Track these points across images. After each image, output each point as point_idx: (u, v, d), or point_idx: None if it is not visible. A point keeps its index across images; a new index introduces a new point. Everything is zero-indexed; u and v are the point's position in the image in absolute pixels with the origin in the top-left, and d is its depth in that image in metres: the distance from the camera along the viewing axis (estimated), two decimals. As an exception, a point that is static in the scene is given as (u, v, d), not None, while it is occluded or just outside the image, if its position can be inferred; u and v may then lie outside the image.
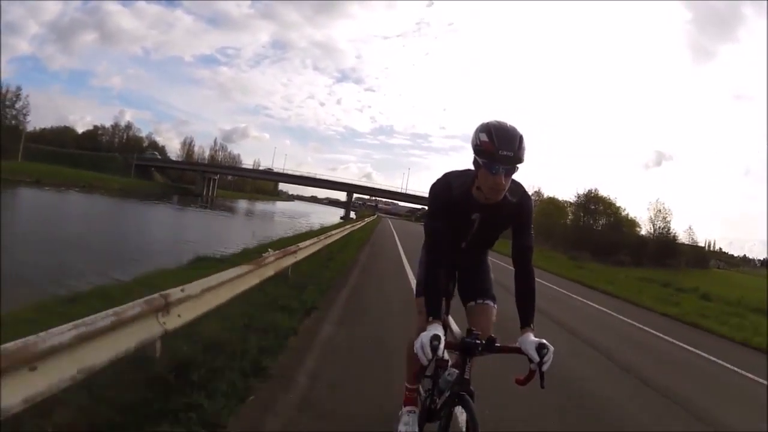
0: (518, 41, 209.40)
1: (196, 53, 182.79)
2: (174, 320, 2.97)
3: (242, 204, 67.22)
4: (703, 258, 62.39)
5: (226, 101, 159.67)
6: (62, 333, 1.98)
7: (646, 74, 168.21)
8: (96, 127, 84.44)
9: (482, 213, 1.87)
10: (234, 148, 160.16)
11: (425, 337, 1.59)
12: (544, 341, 1.64)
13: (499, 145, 1.61)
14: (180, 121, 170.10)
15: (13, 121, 57.81)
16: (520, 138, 1.64)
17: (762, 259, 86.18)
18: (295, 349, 3.72)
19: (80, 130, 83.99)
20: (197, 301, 3.34)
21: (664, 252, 52.08)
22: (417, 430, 2.15)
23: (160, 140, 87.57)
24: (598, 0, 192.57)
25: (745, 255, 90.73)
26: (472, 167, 1.76)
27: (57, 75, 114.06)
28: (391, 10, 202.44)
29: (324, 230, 16.03)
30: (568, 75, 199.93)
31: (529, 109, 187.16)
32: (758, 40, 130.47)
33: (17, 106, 57.87)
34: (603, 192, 52.43)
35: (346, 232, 16.57)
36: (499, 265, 1.93)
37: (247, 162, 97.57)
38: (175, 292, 2.99)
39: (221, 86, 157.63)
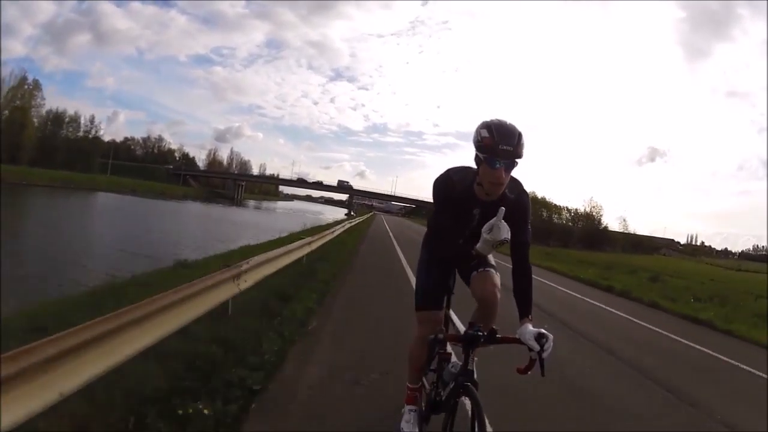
0: (512, 39, 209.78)
1: (190, 53, 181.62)
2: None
3: (264, 204, 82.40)
4: (638, 244, 78.27)
5: (220, 101, 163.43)
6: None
7: (639, 72, 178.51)
8: (126, 139, 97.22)
9: (482, 209, 1.92)
10: (227, 148, 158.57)
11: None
12: (543, 330, 1.68)
13: (499, 141, 1.71)
14: (174, 122, 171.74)
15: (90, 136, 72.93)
16: (519, 134, 1.74)
17: (740, 251, 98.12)
18: (363, 239, 20.64)
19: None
20: (319, 241, 10.70)
21: (596, 239, 68.86)
22: (418, 428, 2.24)
23: (189, 151, 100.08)
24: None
25: (726, 248, 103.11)
26: (473, 165, 1.84)
27: (51, 76, 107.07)
28: (386, 10, 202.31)
29: (345, 221, 32.52)
30: (561, 72, 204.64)
31: (523, 106, 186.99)
32: (753, 39, 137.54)
33: (92, 131, 73.85)
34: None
35: (360, 220, 33.76)
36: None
37: (253, 165, 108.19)
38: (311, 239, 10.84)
39: (215, 86, 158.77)
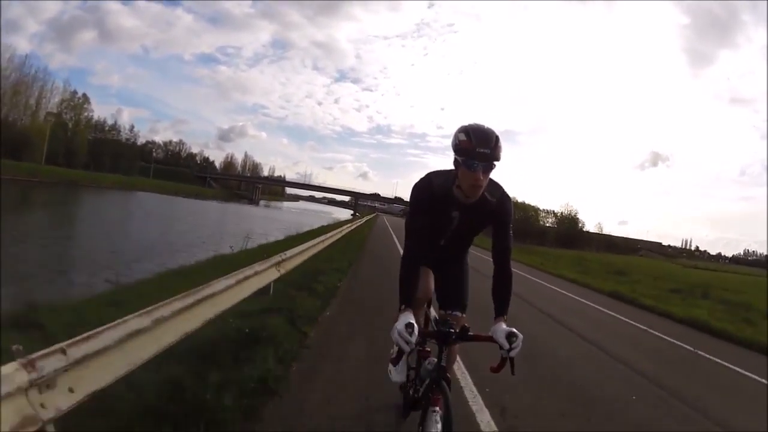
0: (517, 43, 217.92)
1: (195, 52, 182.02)
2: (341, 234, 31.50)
3: (275, 204, 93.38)
4: (613, 245, 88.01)
5: (225, 100, 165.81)
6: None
7: (643, 78, 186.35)
8: (148, 142, 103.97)
9: (462, 211, 2.01)
10: (232, 147, 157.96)
11: (400, 325, 1.74)
12: (514, 330, 1.77)
13: (476, 143, 1.77)
14: (178, 120, 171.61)
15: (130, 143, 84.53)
16: (496, 138, 1.80)
17: (731, 256, 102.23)
18: (374, 224, 32.71)
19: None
20: (348, 229, 31.95)
21: (571, 239, 79.70)
22: (405, 372, 2.47)
23: (208, 155, 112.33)
24: (596, 1, 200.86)
25: (719, 252, 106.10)
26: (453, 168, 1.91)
27: (56, 73, 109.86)
28: (392, 12, 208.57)
29: (356, 219, 44.05)
30: (566, 77, 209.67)
31: (527, 110, 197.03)
32: (757, 46, 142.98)
33: (131, 141, 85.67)
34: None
35: (369, 218, 46.00)
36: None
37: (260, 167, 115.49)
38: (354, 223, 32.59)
39: (220, 85, 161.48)
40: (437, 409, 1.88)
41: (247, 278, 4.20)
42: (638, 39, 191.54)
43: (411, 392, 2.37)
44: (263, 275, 4.89)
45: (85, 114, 76.57)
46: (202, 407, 2.46)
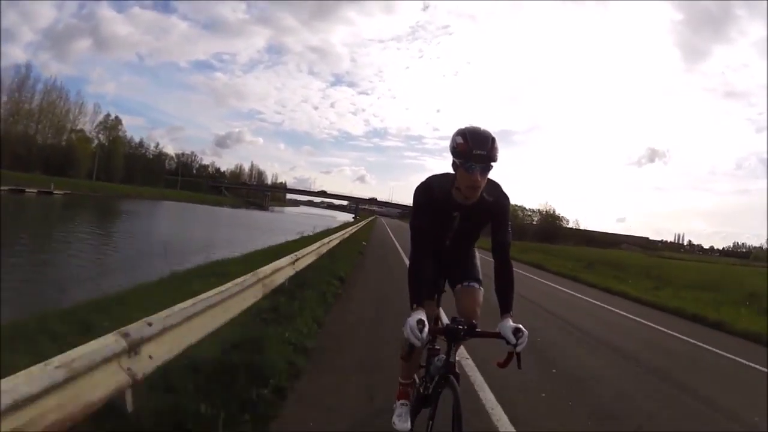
0: (512, 43, 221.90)
1: (191, 59, 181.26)
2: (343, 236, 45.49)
3: (279, 209, 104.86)
4: (592, 239, 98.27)
5: (221, 106, 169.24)
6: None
7: (638, 74, 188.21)
8: (161, 154, 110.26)
9: (462, 212, 2.12)
10: (228, 153, 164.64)
11: (411, 321, 1.83)
12: (520, 326, 1.87)
13: (473, 146, 1.86)
14: (174, 127, 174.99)
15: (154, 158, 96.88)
16: (492, 139, 1.89)
17: (721, 249, 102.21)
18: (375, 224, 46.41)
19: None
20: (357, 227, 45.99)
21: (550, 234, 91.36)
22: (409, 420, 2.47)
23: (219, 165, 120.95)
24: (590, 1, 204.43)
25: (712, 246, 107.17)
26: (452, 171, 2.01)
27: (51, 81, 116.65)
28: (387, 15, 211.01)
29: (359, 221, 56.78)
30: (562, 75, 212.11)
31: (523, 109, 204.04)
32: (751, 39, 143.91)
33: (152, 153, 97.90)
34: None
35: (370, 219, 59.73)
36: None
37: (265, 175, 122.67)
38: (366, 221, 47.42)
39: (215, 91, 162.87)
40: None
41: (342, 234, 17.07)
42: (632, 36, 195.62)
43: (421, 390, 2.42)
44: (345, 234, 18.17)
45: (119, 134, 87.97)
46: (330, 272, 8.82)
